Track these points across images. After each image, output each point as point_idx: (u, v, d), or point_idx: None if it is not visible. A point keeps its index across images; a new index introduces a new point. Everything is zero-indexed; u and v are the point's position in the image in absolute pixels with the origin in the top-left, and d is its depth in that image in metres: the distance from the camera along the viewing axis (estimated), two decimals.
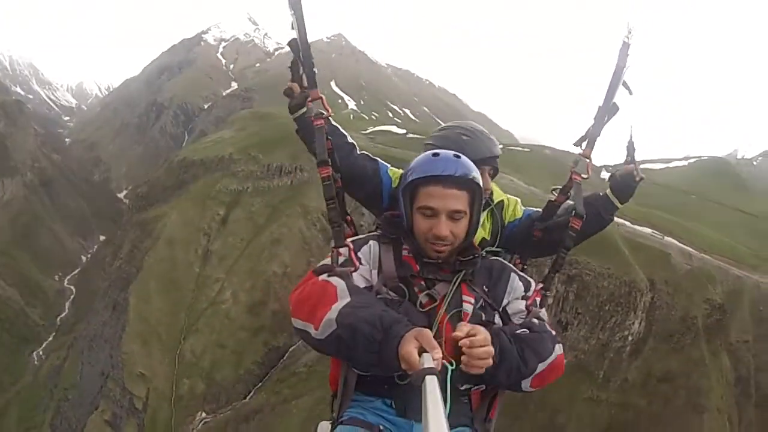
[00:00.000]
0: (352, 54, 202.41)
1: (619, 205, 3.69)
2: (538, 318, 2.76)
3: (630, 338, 43.79)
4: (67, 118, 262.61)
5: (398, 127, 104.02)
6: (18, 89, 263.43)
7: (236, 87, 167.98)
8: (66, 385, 63.34)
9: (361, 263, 2.76)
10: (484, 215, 3.61)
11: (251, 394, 53.48)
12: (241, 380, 54.94)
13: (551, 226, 3.63)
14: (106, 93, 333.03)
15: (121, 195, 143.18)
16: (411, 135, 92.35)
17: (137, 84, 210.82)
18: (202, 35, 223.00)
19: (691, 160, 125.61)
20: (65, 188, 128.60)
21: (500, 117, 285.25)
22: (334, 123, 3.42)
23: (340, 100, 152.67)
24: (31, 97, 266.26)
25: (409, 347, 2.07)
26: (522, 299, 2.86)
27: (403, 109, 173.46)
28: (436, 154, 2.74)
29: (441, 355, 1.99)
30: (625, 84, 3.45)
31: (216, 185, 69.93)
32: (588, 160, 3.55)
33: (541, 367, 2.53)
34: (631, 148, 3.64)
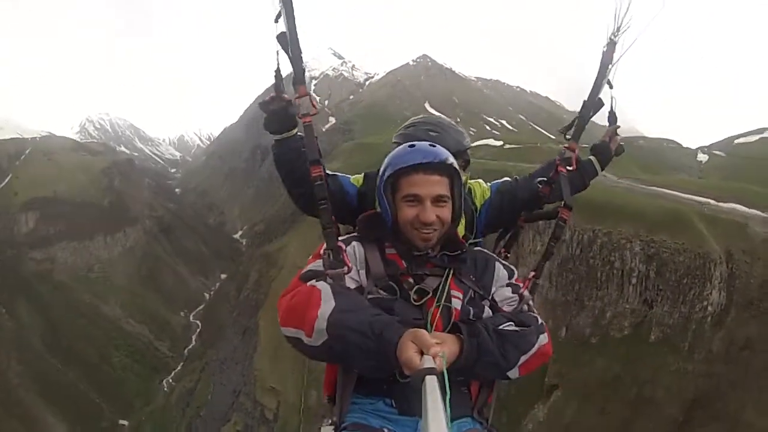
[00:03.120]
0: (440, 73, 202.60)
1: (599, 171, 3.89)
2: (528, 306, 2.88)
3: (709, 309, 44.24)
4: (173, 170, 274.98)
5: (495, 139, 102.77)
6: (123, 149, 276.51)
7: (334, 121, 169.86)
8: (197, 404, 67.02)
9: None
10: None
11: None
12: None
13: (537, 217, 3.80)
14: (208, 142, 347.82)
15: (236, 235, 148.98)
16: (508, 146, 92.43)
17: (238, 131, 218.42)
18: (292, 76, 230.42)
19: None
20: (183, 233, 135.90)
21: (599, 115, 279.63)
22: (302, 138, 3.24)
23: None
24: (136, 154, 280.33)
25: (409, 352, 2.07)
26: (507, 286, 2.92)
27: (500, 120, 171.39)
28: (412, 146, 2.78)
29: (439, 352, 2.04)
30: (610, 83, 3.66)
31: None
32: (574, 153, 3.69)
33: (523, 359, 2.56)
34: (612, 118, 3.85)
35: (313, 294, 2.46)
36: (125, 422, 79.83)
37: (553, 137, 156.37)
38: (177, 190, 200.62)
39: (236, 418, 59.26)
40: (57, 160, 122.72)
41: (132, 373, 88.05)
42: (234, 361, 65.52)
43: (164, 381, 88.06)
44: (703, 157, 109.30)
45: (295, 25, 3.03)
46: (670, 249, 45.22)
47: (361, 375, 2.59)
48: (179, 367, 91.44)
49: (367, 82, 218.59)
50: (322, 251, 2.79)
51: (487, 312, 2.75)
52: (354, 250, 2.81)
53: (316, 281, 2.56)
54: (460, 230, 3.35)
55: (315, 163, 3.02)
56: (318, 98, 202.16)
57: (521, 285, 2.95)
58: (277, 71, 3.15)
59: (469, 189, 3.71)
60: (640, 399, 42.29)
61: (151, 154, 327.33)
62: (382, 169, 2.84)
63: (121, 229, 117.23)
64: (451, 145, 3.25)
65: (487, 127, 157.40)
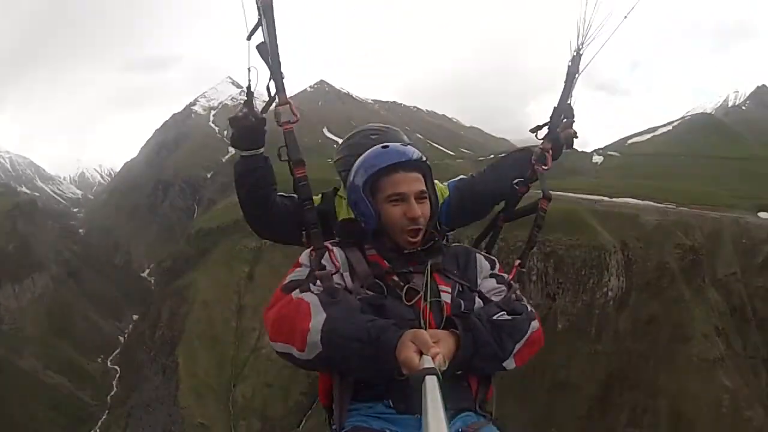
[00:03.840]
0: (338, 98, 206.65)
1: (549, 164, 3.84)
2: (516, 294, 2.87)
3: (610, 294, 48.32)
4: (75, 210, 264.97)
5: None
6: (24, 189, 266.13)
7: (234, 152, 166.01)
8: None
9: (327, 269, 2.73)
10: None
11: (303, 422, 57.53)
12: (291, 412, 58.91)
13: (517, 215, 3.87)
14: (109, 179, 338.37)
15: (144, 273, 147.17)
16: None
17: (138, 165, 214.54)
18: (191, 107, 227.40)
19: (675, 123, 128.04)
20: (91, 275, 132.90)
21: (493, 126, 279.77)
22: (268, 159, 3.39)
23: (334, 145, 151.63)
24: (37, 194, 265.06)
25: (409, 353, 2.07)
26: (491, 276, 2.93)
27: None
28: (385, 146, 2.83)
29: (438, 352, 2.05)
30: (570, 84, 3.77)
31: (236, 246, 74.22)
32: (548, 153, 3.76)
33: (518, 347, 2.57)
34: (569, 112, 3.89)
35: (301, 307, 2.45)
36: None
37: (452, 153, 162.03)
38: (81, 230, 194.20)
39: None
40: None
41: (58, 426, 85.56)
42: (158, 401, 65.94)
43: None
44: (598, 159, 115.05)
45: (275, 34, 3.16)
46: (565, 245, 49.23)
47: (357, 380, 2.57)
48: (104, 416, 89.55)
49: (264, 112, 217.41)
50: (301, 259, 2.82)
51: (478, 303, 2.76)
52: (336, 254, 2.81)
53: (301, 291, 2.56)
54: None
55: (299, 163, 3.16)
56: (217, 128, 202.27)
57: (505, 275, 3.01)
58: (249, 89, 3.29)
59: None
60: (557, 384, 45.60)
61: (52, 193, 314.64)
62: (353, 174, 2.88)
63: (29, 275, 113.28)
64: None
65: None
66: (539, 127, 3.90)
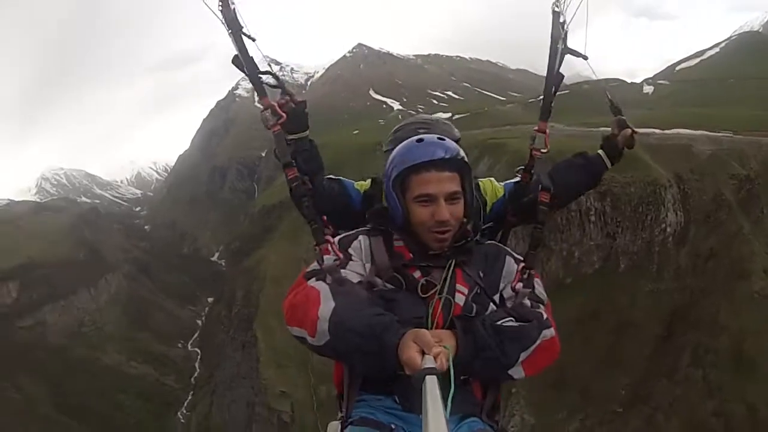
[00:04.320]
0: (378, 58, 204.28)
1: (608, 165, 3.69)
2: (530, 298, 2.76)
3: (668, 230, 47.48)
4: (137, 209, 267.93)
5: (444, 111, 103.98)
6: (84, 199, 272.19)
7: None
8: (216, 427, 68.72)
9: (352, 259, 2.76)
10: None
11: None
12: None
13: (524, 206, 3.53)
14: (165, 174, 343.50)
15: (213, 258, 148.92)
16: (457, 116, 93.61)
17: (192, 156, 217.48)
18: (234, 92, 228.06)
19: (722, 44, 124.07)
20: (162, 268, 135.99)
21: (540, 65, 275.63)
22: (313, 142, 3.39)
23: (384, 106, 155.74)
24: (98, 201, 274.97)
25: (411, 352, 2.07)
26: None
27: (445, 92, 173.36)
28: (420, 140, 2.71)
29: (440, 352, 2.05)
30: (572, 51, 3.45)
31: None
32: (545, 134, 3.47)
33: (524, 355, 2.48)
34: (614, 109, 3.70)
35: (311, 294, 2.49)
36: None
37: (503, 98, 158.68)
38: (146, 227, 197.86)
39: (256, 429, 61.11)
40: (23, 226, 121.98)
41: (147, 413, 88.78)
42: (241, 376, 67.28)
43: (179, 413, 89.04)
44: (649, 89, 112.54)
45: (244, 45, 3.12)
46: (620, 183, 47.95)
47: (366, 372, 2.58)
48: (190, 397, 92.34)
49: (309, 82, 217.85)
50: (320, 248, 2.84)
51: (492, 309, 2.70)
52: (360, 244, 2.81)
53: (316, 280, 2.61)
54: None
55: (288, 165, 3.09)
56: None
57: (515, 278, 2.86)
58: (277, 78, 3.33)
59: (477, 185, 3.55)
60: (621, 324, 44.70)
61: (112, 198, 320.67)
62: (388, 166, 2.81)
63: (102, 277, 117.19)
64: None
65: (435, 101, 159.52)
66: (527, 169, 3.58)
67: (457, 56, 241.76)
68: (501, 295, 2.79)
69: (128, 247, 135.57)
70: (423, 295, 2.59)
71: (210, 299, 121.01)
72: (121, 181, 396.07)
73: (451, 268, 2.66)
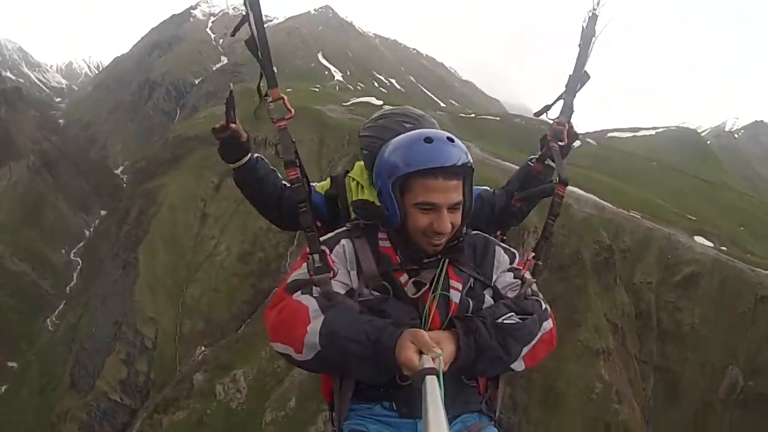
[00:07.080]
0: (339, 25, 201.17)
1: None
2: (532, 290, 2.72)
3: None
4: (58, 99, 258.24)
5: (377, 98, 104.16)
6: (9, 74, 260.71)
7: (226, 62, 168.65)
8: (82, 339, 68.43)
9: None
10: None
11: (242, 328, 59.45)
12: (233, 318, 61.04)
13: (532, 195, 3.72)
14: (96, 72, 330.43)
15: (117, 171, 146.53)
16: (387, 107, 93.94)
17: (128, 62, 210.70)
18: (191, 10, 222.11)
19: (659, 130, 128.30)
20: (66, 168, 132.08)
21: (489, 86, 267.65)
22: (263, 158, 3.37)
23: (326, 72, 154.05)
24: (22, 81, 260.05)
25: (408, 353, 2.03)
26: (509, 271, 2.78)
27: (389, 79, 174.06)
28: (428, 140, 2.45)
29: (439, 352, 2.00)
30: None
31: (209, 158, 72.81)
32: (564, 128, 3.50)
33: (526, 350, 2.44)
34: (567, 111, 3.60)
35: (300, 310, 2.38)
36: (14, 364, 79.88)
37: (443, 104, 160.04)
38: (61, 121, 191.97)
39: (119, 347, 61.58)
40: None
41: (16, 313, 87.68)
42: (115, 293, 67.66)
43: (48, 320, 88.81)
44: (576, 143, 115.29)
45: (264, 29, 2.90)
46: None
47: (358, 381, 2.52)
48: (62, 305, 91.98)
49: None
50: (307, 255, 2.63)
51: (488, 301, 2.63)
52: (344, 249, 2.67)
53: (302, 293, 2.47)
54: None
55: (290, 165, 2.86)
56: (213, 36, 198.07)
57: (521, 268, 2.83)
58: (229, 98, 3.21)
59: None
60: None
61: (36, 81, 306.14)
62: (384, 161, 2.57)
63: (6, 163, 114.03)
64: None
65: (375, 84, 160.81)
66: (548, 107, 3.67)
67: (414, 49, 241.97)
68: (495, 286, 2.73)
69: (38, 138, 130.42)
70: (413, 296, 2.53)
71: (103, 212, 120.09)
72: (51, 66, 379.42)
73: (444, 266, 2.59)
